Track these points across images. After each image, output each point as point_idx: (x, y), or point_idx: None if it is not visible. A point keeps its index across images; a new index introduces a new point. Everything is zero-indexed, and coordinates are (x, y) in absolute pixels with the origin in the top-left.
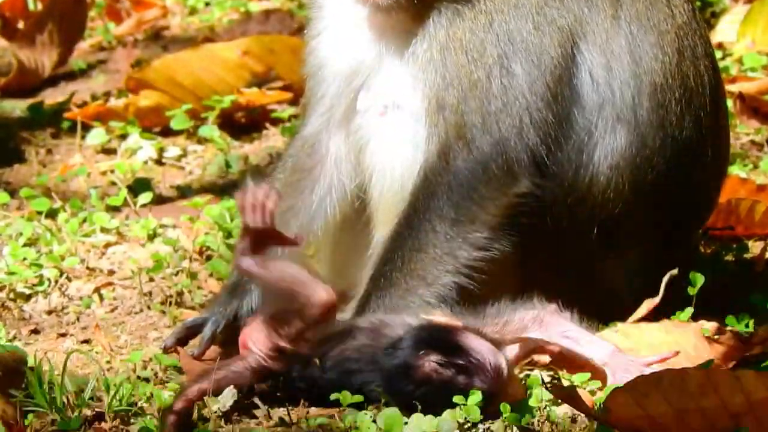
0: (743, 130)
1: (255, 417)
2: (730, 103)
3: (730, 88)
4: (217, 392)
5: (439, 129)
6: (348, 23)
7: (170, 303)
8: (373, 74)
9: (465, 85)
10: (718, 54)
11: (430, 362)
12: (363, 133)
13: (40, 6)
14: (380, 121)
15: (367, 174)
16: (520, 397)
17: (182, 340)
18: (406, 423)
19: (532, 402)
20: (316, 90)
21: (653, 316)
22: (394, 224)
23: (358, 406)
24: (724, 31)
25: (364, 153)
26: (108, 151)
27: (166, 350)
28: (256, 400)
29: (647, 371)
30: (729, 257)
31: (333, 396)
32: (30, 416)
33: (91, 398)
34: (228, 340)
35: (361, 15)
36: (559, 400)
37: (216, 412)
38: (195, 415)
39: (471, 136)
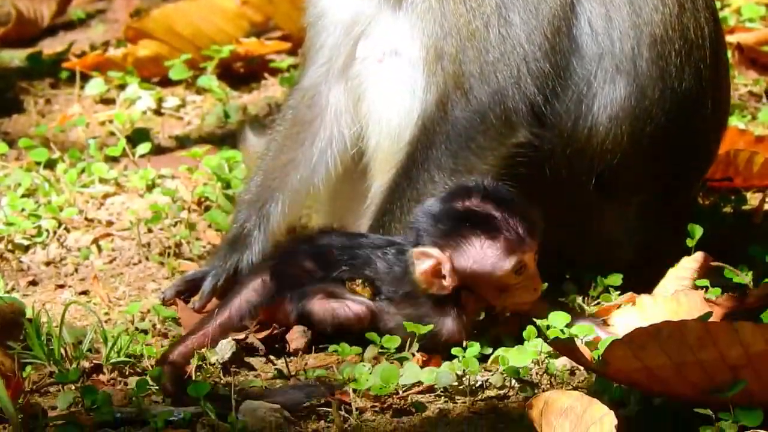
0: (741, 81)
1: (254, 369)
2: (728, 54)
3: (728, 38)
4: (213, 342)
5: (437, 78)
6: None
7: (169, 254)
8: (373, 23)
9: (463, 34)
10: (717, 4)
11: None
12: (361, 81)
13: None
14: (378, 68)
15: (365, 123)
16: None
17: (182, 293)
18: (402, 375)
19: (530, 354)
20: (315, 40)
21: (655, 269)
22: (392, 174)
23: (356, 358)
24: None
25: (362, 102)
26: (107, 101)
27: (165, 303)
28: (256, 352)
29: None
30: (727, 209)
31: (332, 347)
32: (28, 368)
33: (89, 350)
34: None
35: None
36: (558, 353)
37: (214, 364)
38: (194, 366)
39: (469, 85)
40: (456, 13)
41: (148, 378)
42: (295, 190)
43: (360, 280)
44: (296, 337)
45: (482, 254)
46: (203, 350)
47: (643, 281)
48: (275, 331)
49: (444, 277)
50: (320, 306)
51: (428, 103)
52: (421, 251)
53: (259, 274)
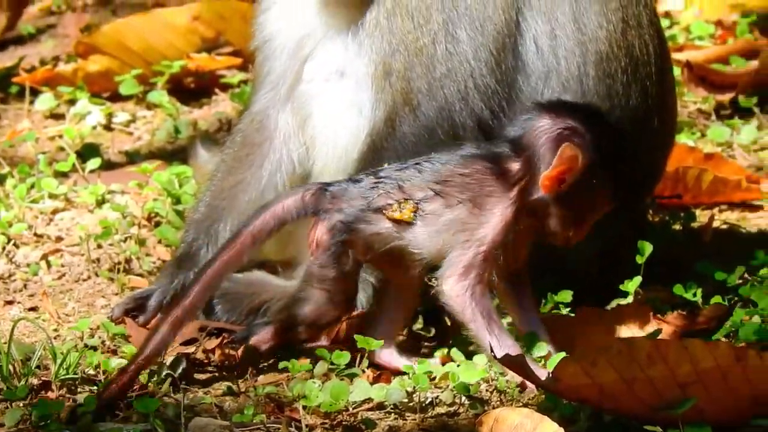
0: (691, 99)
1: (203, 385)
2: (677, 71)
3: (677, 56)
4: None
5: (385, 95)
6: None
7: (118, 270)
8: (319, 44)
9: (411, 50)
10: (666, 22)
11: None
12: (307, 103)
13: None
14: (324, 89)
15: (311, 144)
16: None
17: (129, 312)
18: (352, 392)
19: (480, 371)
20: (263, 65)
21: (604, 287)
22: None
23: (306, 375)
24: (671, 0)
25: (309, 123)
26: (56, 117)
27: (113, 321)
28: (206, 368)
29: None
30: (677, 226)
31: (282, 364)
32: None
33: (38, 367)
34: None
35: None
36: (508, 369)
37: (165, 380)
38: (143, 383)
39: (417, 101)
40: (404, 30)
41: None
42: (243, 210)
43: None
44: (245, 361)
45: (608, 180)
46: (155, 366)
47: (596, 296)
48: (225, 345)
49: (565, 180)
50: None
51: (376, 120)
52: (573, 147)
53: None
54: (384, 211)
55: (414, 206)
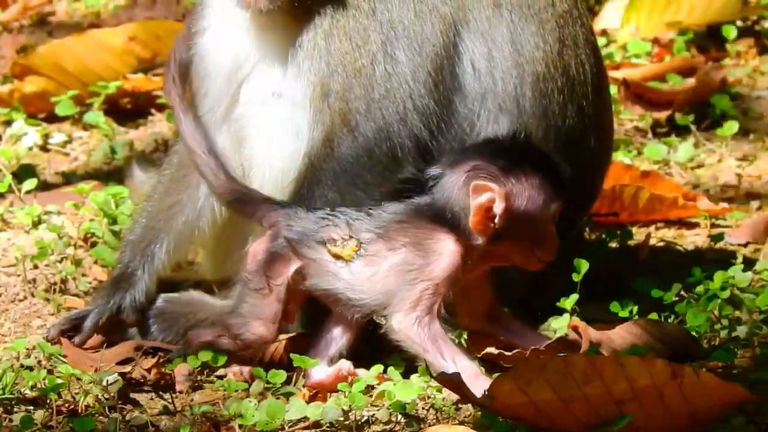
0: (627, 116)
1: (139, 405)
2: (614, 89)
3: (614, 74)
4: None
5: (323, 116)
6: (234, 15)
7: (54, 290)
8: (256, 66)
9: (349, 71)
10: (603, 41)
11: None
12: (244, 125)
13: None
14: (261, 111)
15: (248, 166)
16: None
17: (65, 332)
18: (288, 411)
19: (416, 389)
20: (199, 88)
21: (542, 303)
22: None
23: (242, 394)
24: (608, 18)
25: (245, 145)
26: None
27: (49, 341)
28: (142, 388)
29: None
30: (613, 243)
31: (218, 383)
32: None
33: None
34: (111, 330)
35: (243, 14)
36: (444, 387)
37: (100, 400)
38: (78, 402)
39: (355, 122)
40: (342, 51)
41: (33, 414)
42: (180, 231)
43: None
44: (181, 380)
45: (535, 194)
46: (90, 384)
47: (532, 315)
48: (161, 364)
49: (494, 217)
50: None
51: (314, 140)
52: (481, 184)
53: None
54: (327, 244)
55: (357, 245)
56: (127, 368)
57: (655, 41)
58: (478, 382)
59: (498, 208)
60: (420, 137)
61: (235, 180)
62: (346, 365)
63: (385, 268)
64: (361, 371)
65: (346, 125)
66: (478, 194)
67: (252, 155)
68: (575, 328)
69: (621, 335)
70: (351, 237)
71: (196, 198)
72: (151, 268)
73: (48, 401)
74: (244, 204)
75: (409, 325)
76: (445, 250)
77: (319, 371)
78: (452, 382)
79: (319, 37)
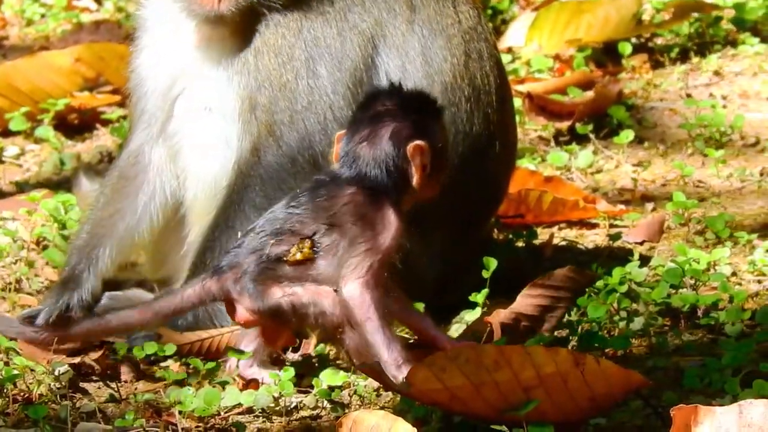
0: (532, 127)
1: (88, 393)
2: (519, 102)
3: (519, 88)
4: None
5: (251, 127)
6: (169, 36)
7: (10, 289)
8: (190, 83)
9: (275, 85)
10: (508, 57)
11: None
12: (178, 139)
13: None
14: (193, 124)
15: (183, 177)
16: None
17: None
18: (223, 398)
19: (341, 377)
20: (137, 106)
21: (454, 299)
22: (210, 217)
23: (181, 383)
24: (513, 36)
25: (180, 157)
26: None
27: (5, 336)
28: (89, 377)
29: None
30: (520, 243)
31: (159, 373)
32: None
33: None
34: (61, 326)
35: (184, 27)
36: (365, 375)
37: (52, 389)
38: (32, 391)
39: (280, 132)
40: (269, 67)
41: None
42: (121, 237)
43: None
44: (126, 371)
45: (439, 130)
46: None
47: (441, 311)
48: (107, 356)
49: (427, 168)
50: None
51: (243, 150)
52: (414, 144)
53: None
54: (284, 258)
55: (310, 242)
56: (77, 359)
57: (557, 57)
58: (402, 370)
59: (427, 158)
60: None
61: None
62: (260, 375)
63: (342, 249)
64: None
65: (271, 135)
66: (415, 154)
67: (186, 165)
68: (488, 323)
69: (523, 301)
70: (302, 239)
71: (135, 207)
72: (96, 270)
73: (4, 390)
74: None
75: (359, 292)
76: (391, 219)
77: (246, 367)
78: (373, 370)
79: (249, 54)
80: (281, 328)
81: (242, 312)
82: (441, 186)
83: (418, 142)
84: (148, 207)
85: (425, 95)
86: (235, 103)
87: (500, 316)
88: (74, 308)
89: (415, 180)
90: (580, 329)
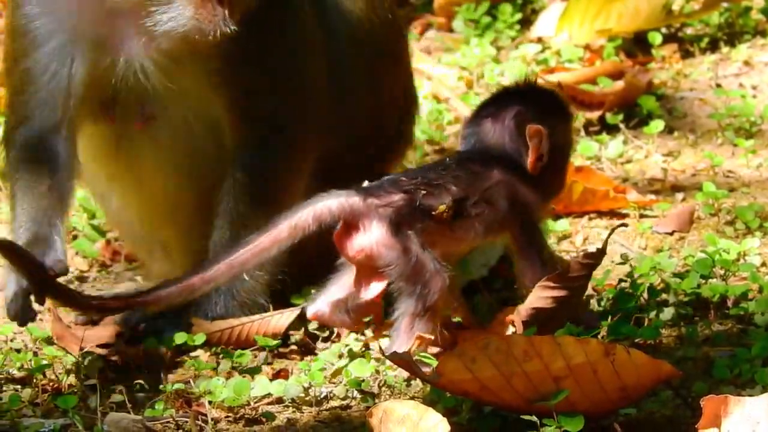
0: None
1: (117, 383)
2: None
3: (549, 78)
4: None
5: None
6: None
7: None
8: None
9: None
10: (538, 47)
11: None
12: None
13: None
14: None
15: None
16: None
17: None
18: (253, 388)
19: (370, 367)
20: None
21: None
22: None
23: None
24: (543, 26)
25: None
26: None
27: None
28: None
29: None
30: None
31: (188, 362)
32: None
33: None
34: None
35: None
36: (396, 365)
37: (81, 379)
38: (61, 382)
39: None
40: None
41: (20, 393)
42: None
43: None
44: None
45: (566, 128)
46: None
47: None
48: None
49: (542, 155)
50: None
51: None
52: (534, 127)
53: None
54: (432, 211)
55: (456, 205)
56: (107, 350)
57: (587, 47)
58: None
59: (545, 146)
60: None
61: None
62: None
63: (486, 224)
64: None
65: None
66: (533, 135)
67: None
68: (511, 322)
69: (541, 294)
70: (454, 200)
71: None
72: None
73: (34, 381)
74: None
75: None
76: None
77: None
78: (403, 360)
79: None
80: (378, 279)
81: (359, 243)
82: (563, 186)
83: (538, 126)
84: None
85: (558, 96)
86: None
87: (521, 314)
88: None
89: (529, 162)
90: (609, 319)
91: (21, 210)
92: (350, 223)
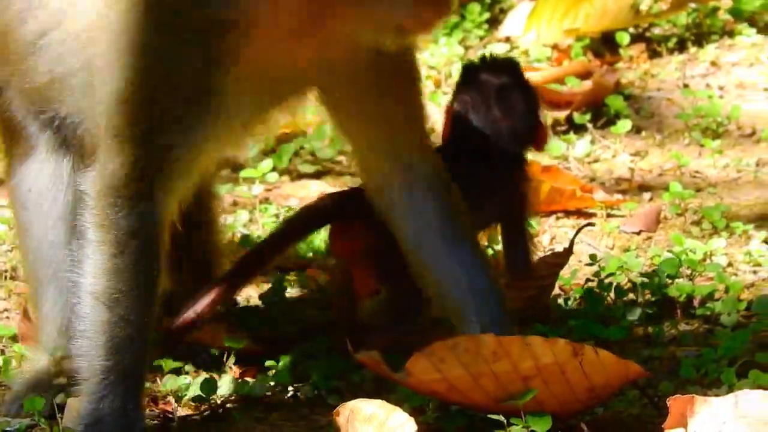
0: None
1: None
2: None
3: None
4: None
5: None
6: None
7: (6, 277)
8: None
9: None
10: (506, 47)
11: None
12: None
13: None
14: None
15: None
16: None
17: None
18: (220, 387)
19: (338, 367)
20: None
21: None
22: None
23: (178, 371)
24: (511, 26)
25: None
26: None
27: None
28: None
29: None
30: None
31: (156, 362)
32: None
33: None
34: None
35: None
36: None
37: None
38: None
39: None
40: None
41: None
42: None
43: None
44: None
45: None
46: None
47: None
48: None
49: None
50: None
51: None
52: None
53: None
54: None
55: None
56: None
57: (555, 47)
58: None
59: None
60: None
61: None
62: None
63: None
64: None
65: None
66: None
67: None
68: None
69: (511, 295)
70: None
71: None
72: None
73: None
74: None
75: None
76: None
77: None
78: (371, 359)
79: None
80: (371, 277)
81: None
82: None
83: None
84: None
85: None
86: None
87: None
88: None
89: (544, 139)
90: (576, 320)
91: None
92: (342, 222)
